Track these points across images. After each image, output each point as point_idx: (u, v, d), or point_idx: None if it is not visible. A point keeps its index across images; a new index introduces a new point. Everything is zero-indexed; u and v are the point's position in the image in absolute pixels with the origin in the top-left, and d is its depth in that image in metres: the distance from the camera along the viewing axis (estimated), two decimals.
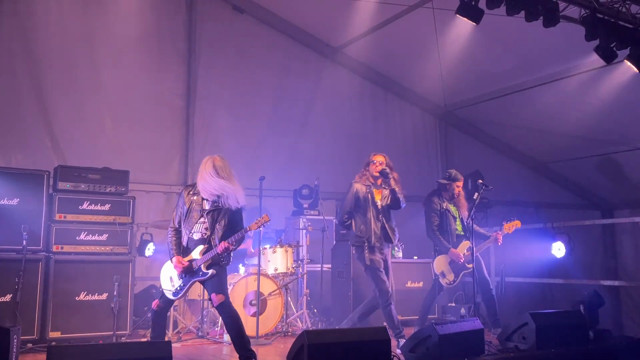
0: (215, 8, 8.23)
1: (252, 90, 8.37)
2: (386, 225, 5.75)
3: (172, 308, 5.54)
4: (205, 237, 4.62)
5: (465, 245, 6.25)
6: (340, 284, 6.90)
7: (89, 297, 5.58)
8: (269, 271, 6.40)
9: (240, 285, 6.13)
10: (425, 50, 7.87)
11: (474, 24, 6.12)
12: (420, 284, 7.58)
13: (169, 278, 4.71)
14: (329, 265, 7.08)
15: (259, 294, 5.94)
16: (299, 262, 6.86)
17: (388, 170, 5.72)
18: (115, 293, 5.58)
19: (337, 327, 6.10)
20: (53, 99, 7.07)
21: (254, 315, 5.95)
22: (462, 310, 7.25)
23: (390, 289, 5.62)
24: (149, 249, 6.71)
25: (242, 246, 5.93)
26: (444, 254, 6.24)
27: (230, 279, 5.95)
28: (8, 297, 5.19)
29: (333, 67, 9.01)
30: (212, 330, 6.27)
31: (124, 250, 5.87)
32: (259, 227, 4.67)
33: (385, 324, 5.58)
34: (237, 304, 5.81)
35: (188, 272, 4.62)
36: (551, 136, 9.37)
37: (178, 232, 4.74)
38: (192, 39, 8.02)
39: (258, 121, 8.40)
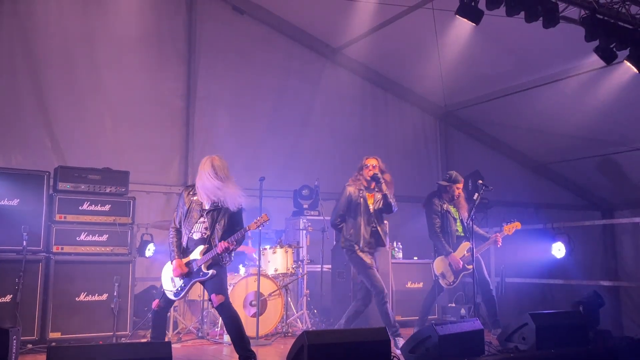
0: (215, 8, 8.23)
1: (252, 90, 8.37)
2: (378, 229, 5.79)
3: (172, 309, 5.55)
4: (205, 237, 4.63)
5: (465, 246, 6.25)
6: (340, 285, 6.90)
7: (89, 298, 5.58)
8: (269, 272, 6.40)
9: (240, 286, 6.13)
10: (425, 51, 7.87)
11: (473, 24, 6.12)
12: (420, 285, 7.58)
13: (170, 279, 4.71)
14: (329, 266, 7.08)
15: (259, 294, 5.94)
16: (299, 262, 6.87)
17: (379, 175, 5.75)
18: (115, 294, 5.58)
19: (336, 328, 6.10)
20: (53, 99, 7.07)
21: (254, 315, 5.94)
22: (462, 311, 7.25)
23: (384, 287, 5.65)
24: (149, 249, 6.71)
25: (241, 248, 5.95)
26: (444, 255, 6.24)
27: (230, 280, 5.95)
28: (8, 298, 5.19)
29: (333, 68, 9.02)
30: (212, 330, 6.27)
31: (124, 251, 5.87)
32: (258, 226, 4.67)
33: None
34: (237, 304, 5.82)
35: (188, 274, 4.63)
36: (551, 137, 9.37)
37: (179, 233, 4.75)
38: (192, 40, 8.02)
39: (258, 121, 8.40)
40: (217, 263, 4.60)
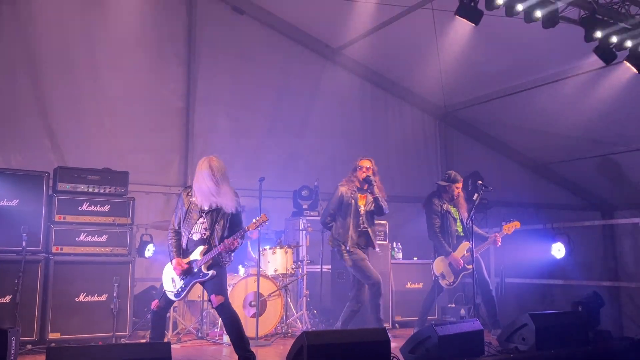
0: (215, 9, 8.22)
1: (252, 91, 8.37)
2: (368, 230, 5.81)
3: (171, 309, 5.55)
4: (205, 237, 4.63)
5: (465, 246, 6.25)
6: (340, 285, 6.89)
7: (89, 298, 5.58)
8: (269, 272, 6.40)
9: (239, 286, 6.12)
10: (425, 51, 7.87)
11: (473, 25, 6.12)
12: (420, 285, 7.58)
13: (170, 279, 4.71)
14: (329, 266, 7.07)
15: (258, 294, 5.94)
16: (299, 263, 6.86)
17: (372, 177, 5.78)
18: (114, 294, 5.58)
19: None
20: (53, 100, 7.06)
21: (253, 316, 5.94)
22: (462, 311, 7.25)
23: (379, 279, 5.68)
24: (148, 250, 6.70)
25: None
26: (444, 256, 6.24)
27: (230, 280, 5.95)
28: (8, 299, 5.18)
29: (333, 68, 9.01)
30: (212, 331, 6.26)
31: (124, 251, 5.87)
32: (258, 227, 4.67)
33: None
34: (237, 305, 5.81)
35: (188, 274, 4.63)
36: (551, 137, 9.37)
37: (178, 234, 4.75)
38: (191, 40, 8.01)
39: (258, 122, 8.40)
40: (217, 264, 4.60)
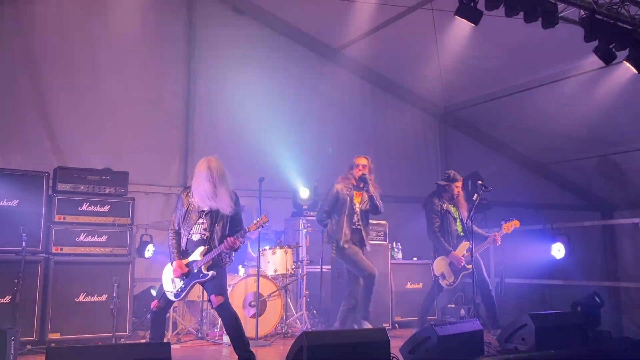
0: (216, 9, 8.23)
1: (252, 91, 8.35)
2: (361, 229, 5.82)
3: (171, 309, 5.55)
4: (205, 238, 4.62)
5: (464, 246, 6.25)
6: (340, 286, 6.88)
7: (88, 299, 5.58)
8: (269, 272, 6.40)
9: (239, 287, 6.12)
10: (425, 51, 7.87)
11: (473, 25, 6.12)
12: (420, 285, 7.58)
13: (170, 279, 4.71)
14: (329, 267, 7.06)
15: (258, 295, 5.94)
16: (299, 263, 6.86)
17: (367, 176, 5.80)
18: (114, 294, 5.57)
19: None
20: (53, 101, 7.06)
21: (253, 316, 5.94)
22: (462, 312, 7.26)
23: (374, 271, 5.71)
24: (148, 250, 6.70)
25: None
26: (444, 255, 6.24)
27: (230, 280, 5.95)
28: (7, 299, 5.18)
29: (333, 69, 9.01)
30: (212, 331, 6.26)
31: (124, 252, 5.87)
32: (258, 228, 4.67)
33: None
34: (237, 305, 5.81)
35: (188, 275, 4.63)
36: (551, 137, 9.37)
37: (178, 235, 4.74)
38: (192, 40, 8.02)
39: (258, 122, 8.38)
40: (217, 264, 4.60)
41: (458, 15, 6.04)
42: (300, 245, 7.12)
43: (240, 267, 6.62)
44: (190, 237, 4.65)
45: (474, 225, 6.07)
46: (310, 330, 6.27)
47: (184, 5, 8.05)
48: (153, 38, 7.76)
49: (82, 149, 7.08)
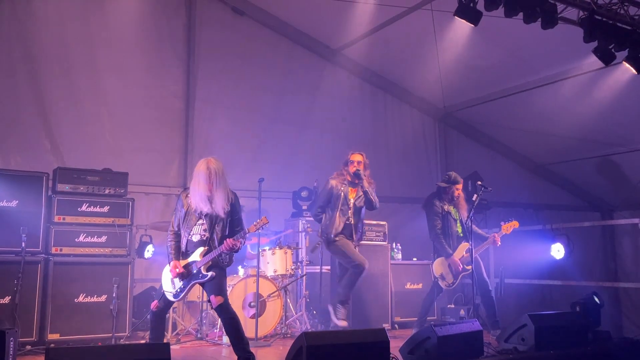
0: (215, 10, 8.22)
1: (252, 92, 8.37)
2: (353, 224, 5.84)
3: (171, 310, 5.54)
4: (205, 239, 4.62)
5: (464, 246, 6.25)
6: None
7: (88, 299, 5.58)
8: (268, 273, 6.40)
9: (239, 287, 6.12)
10: (424, 52, 7.88)
11: (472, 25, 6.12)
12: (420, 286, 7.58)
13: (170, 280, 4.71)
14: (328, 267, 7.07)
15: (258, 295, 5.94)
16: (298, 263, 6.86)
17: (361, 171, 5.83)
18: (114, 295, 5.57)
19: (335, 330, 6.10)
20: (52, 101, 7.06)
21: (253, 317, 5.94)
22: (462, 312, 7.26)
23: (364, 262, 5.75)
24: (148, 250, 6.70)
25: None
26: (444, 257, 6.24)
27: (230, 281, 5.95)
28: (7, 299, 5.19)
29: (332, 69, 9.01)
30: (211, 332, 6.26)
31: (123, 252, 5.87)
32: (258, 229, 4.67)
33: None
34: (236, 305, 5.81)
35: (186, 276, 4.62)
36: (550, 138, 9.38)
37: (177, 236, 4.74)
38: (191, 41, 8.01)
39: (257, 123, 8.40)
40: (217, 265, 4.60)
41: (457, 16, 6.03)
42: (300, 245, 7.12)
43: (239, 267, 6.62)
44: (190, 238, 4.65)
45: (474, 225, 6.07)
46: (309, 330, 6.27)
47: (183, 6, 8.04)
48: (153, 38, 7.76)
49: (82, 150, 7.08)
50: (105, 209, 5.86)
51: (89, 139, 7.22)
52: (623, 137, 8.88)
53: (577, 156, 9.81)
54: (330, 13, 7.86)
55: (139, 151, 7.46)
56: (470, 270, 5.99)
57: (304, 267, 6.94)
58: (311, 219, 7.51)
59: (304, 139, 8.68)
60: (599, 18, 6.09)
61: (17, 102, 6.88)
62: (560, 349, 5.07)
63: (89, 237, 5.74)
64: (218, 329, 6.07)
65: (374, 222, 7.30)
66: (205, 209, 4.57)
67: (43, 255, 5.52)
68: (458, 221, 6.42)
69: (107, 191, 5.90)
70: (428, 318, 6.46)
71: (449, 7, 6.15)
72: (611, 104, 7.93)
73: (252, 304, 6.07)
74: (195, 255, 4.61)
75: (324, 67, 8.96)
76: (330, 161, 8.69)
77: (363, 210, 6.03)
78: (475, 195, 5.99)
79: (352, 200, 5.89)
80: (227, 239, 4.49)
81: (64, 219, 5.67)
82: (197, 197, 4.56)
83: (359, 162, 5.92)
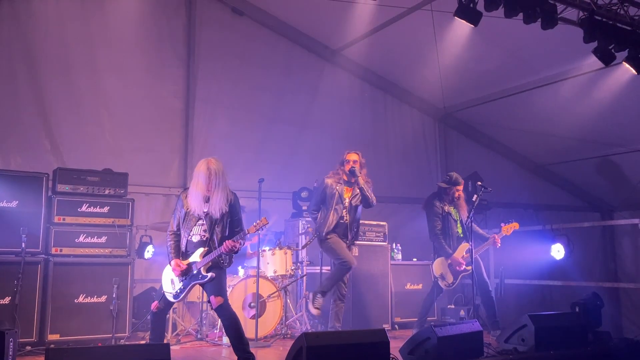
0: (215, 10, 8.22)
1: (252, 92, 8.37)
2: (348, 223, 5.83)
3: (171, 310, 5.54)
4: (205, 239, 4.62)
5: (464, 247, 6.25)
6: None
7: (88, 300, 5.58)
8: (268, 273, 6.40)
9: (239, 288, 6.12)
10: (424, 52, 7.87)
11: (472, 26, 6.12)
12: (420, 286, 7.58)
13: (170, 280, 4.71)
14: (328, 268, 7.06)
15: (258, 296, 5.94)
16: (298, 264, 6.86)
17: (356, 169, 5.84)
18: (114, 295, 5.57)
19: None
20: (52, 102, 7.06)
21: (253, 317, 5.94)
22: (462, 312, 7.26)
23: (352, 261, 5.77)
24: (148, 251, 6.70)
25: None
26: (444, 257, 6.24)
27: (230, 281, 5.95)
28: (7, 300, 5.19)
29: (332, 70, 9.01)
30: (211, 332, 6.26)
31: (123, 253, 5.87)
32: (258, 230, 4.67)
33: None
34: (236, 306, 5.80)
35: (188, 275, 4.62)
36: (550, 138, 9.38)
37: (177, 236, 4.74)
38: (191, 42, 8.01)
39: (257, 123, 8.40)
40: (217, 265, 4.60)
41: (457, 16, 6.03)
42: (300, 248, 7.11)
43: (239, 268, 6.62)
44: (190, 238, 4.65)
45: (474, 225, 6.08)
46: (309, 331, 6.26)
47: (183, 6, 8.04)
48: (153, 38, 7.76)
49: (82, 150, 7.08)
50: (105, 209, 5.86)
51: (89, 139, 7.22)
52: (623, 137, 8.88)
53: (577, 156, 9.81)
54: (329, 13, 7.86)
55: (139, 151, 7.46)
56: (470, 271, 5.99)
57: (304, 267, 6.94)
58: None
59: (303, 139, 8.68)
60: (599, 18, 6.09)
61: (17, 102, 6.88)
62: (561, 350, 5.07)
63: (89, 237, 5.74)
64: (218, 330, 6.07)
65: (374, 223, 7.30)
66: (199, 210, 4.57)
67: (43, 255, 5.52)
68: (458, 222, 6.42)
69: (107, 192, 5.90)
70: (428, 318, 6.46)
71: (449, 8, 6.14)
72: (611, 105, 7.93)
73: (252, 304, 6.07)
74: (195, 256, 4.61)
75: (323, 68, 8.96)
76: (330, 161, 8.65)
77: (359, 209, 6.03)
78: (475, 196, 5.99)
79: (347, 199, 5.90)
80: (227, 241, 4.48)
81: (64, 219, 5.67)
82: (194, 197, 4.56)
83: (355, 161, 5.93)
